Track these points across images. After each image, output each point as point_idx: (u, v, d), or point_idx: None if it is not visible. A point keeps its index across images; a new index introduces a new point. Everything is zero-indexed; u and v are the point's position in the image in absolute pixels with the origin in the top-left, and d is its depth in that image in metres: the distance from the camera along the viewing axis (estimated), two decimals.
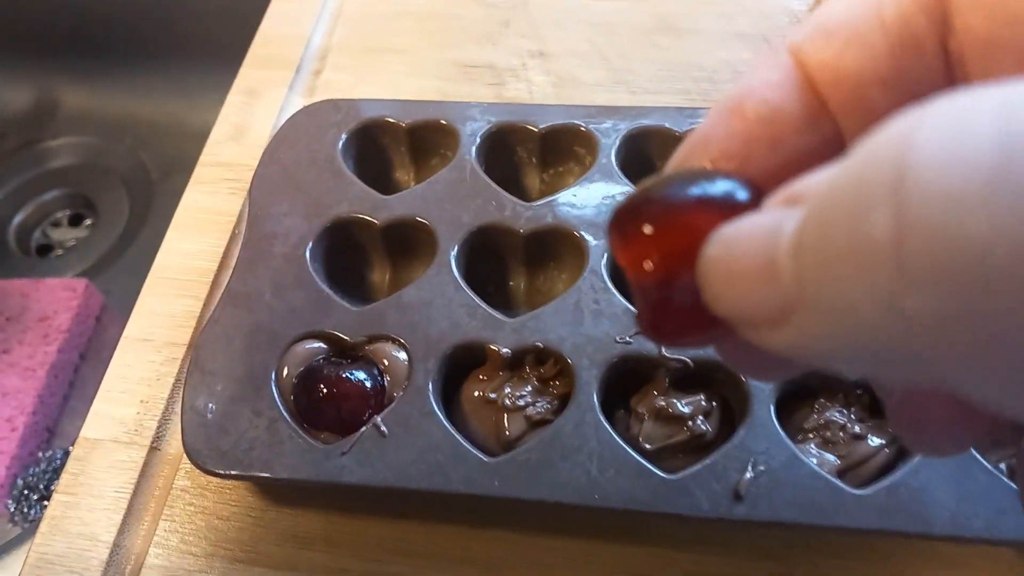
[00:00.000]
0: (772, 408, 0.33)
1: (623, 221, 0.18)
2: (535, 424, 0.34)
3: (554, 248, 0.40)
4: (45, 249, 0.89)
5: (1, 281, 0.77)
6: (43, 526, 0.37)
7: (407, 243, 0.41)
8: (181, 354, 0.41)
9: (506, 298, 0.41)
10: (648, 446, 0.34)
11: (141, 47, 0.94)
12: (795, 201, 0.15)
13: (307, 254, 0.39)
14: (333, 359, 0.36)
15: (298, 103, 0.50)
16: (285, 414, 0.35)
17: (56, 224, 0.91)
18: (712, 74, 0.48)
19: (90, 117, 0.96)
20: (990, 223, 0.11)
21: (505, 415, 0.34)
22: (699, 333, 0.18)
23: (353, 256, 0.41)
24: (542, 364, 0.36)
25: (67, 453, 0.70)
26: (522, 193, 0.44)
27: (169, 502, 0.38)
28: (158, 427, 0.39)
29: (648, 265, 0.17)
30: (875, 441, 0.34)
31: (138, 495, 0.38)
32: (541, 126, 0.42)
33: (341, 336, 0.37)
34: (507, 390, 0.35)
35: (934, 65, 0.18)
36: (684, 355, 0.35)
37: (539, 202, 0.40)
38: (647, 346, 0.35)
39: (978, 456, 0.31)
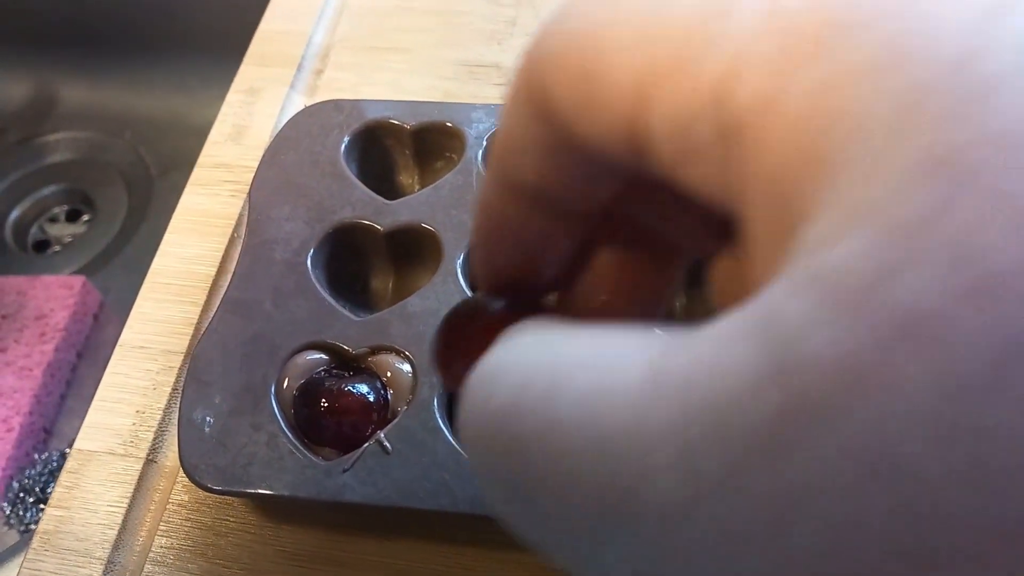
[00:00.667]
0: None
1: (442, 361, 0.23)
2: None
3: None
4: (42, 245, 0.88)
5: None
6: (35, 541, 0.36)
7: (411, 249, 0.39)
8: (178, 363, 0.40)
9: None
10: None
11: (141, 41, 0.93)
12: None
13: (308, 261, 0.38)
14: (335, 371, 0.35)
15: (299, 102, 0.49)
16: (285, 428, 0.34)
17: (53, 220, 0.90)
18: None
19: (89, 112, 0.95)
20: None
21: None
22: None
23: (355, 262, 0.40)
24: None
25: (63, 455, 0.69)
26: None
27: (166, 517, 0.36)
28: (154, 439, 0.38)
29: None
30: None
31: (133, 509, 0.37)
32: None
33: (343, 347, 0.36)
34: None
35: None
36: None
37: None
38: None
39: None
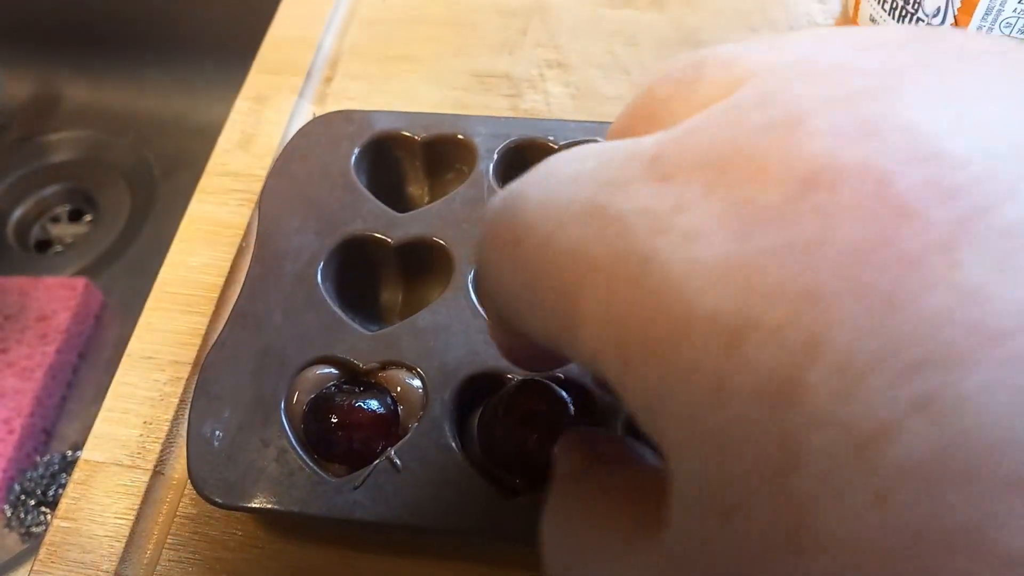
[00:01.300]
0: None
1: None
2: None
3: None
4: (44, 245, 0.87)
5: None
6: (41, 553, 0.36)
7: (422, 263, 0.39)
8: (186, 373, 0.40)
9: None
10: None
11: (145, 41, 0.92)
12: None
13: (318, 274, 0.38)
14: (345, 386, 0.35)
15: (308, 111, 0.49)
16: (295, 444, 0.34)
17: (55, 220, 0.90)
18: None
19: (92, 111, 0.94)
20: None
21: None
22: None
23: (365, 275, 0.40)
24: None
25: (64, 457, 0.69)
26: None
27: (173, 530, 0.36)
28: (162, 450, 0.38)
29: None
30: None
31: (141, 522, 0.36)
32: (561, 142, 0.41)
33: (353, 362, 0.35)
34: None
35: None
36: None
37: None
38: None
39: None
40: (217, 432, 0.34)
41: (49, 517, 0.65)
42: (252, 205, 0.44)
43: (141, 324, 0.41)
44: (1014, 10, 0.38)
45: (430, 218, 0.39)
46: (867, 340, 0.12)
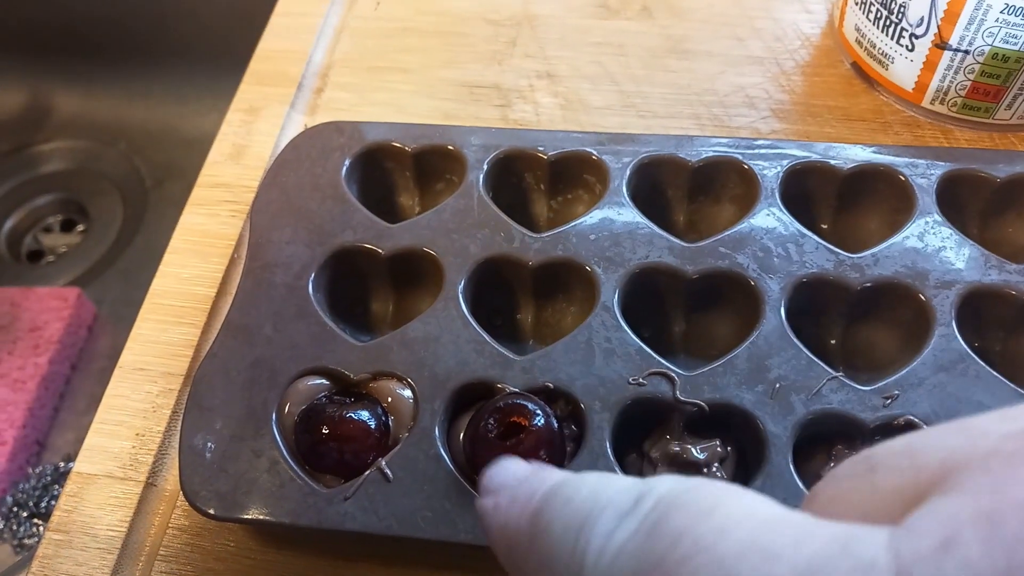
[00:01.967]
0: (790, 457, 0.32)
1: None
2: None
3: (564, 281, 0.39)
4: (36, 255, 0.87)
5: None
6: (34, 565, 0.36)
7: (412, 273, 0.40)
8: (178, 385, 0.40)
9: (514, 331, 0.40)
10: None
11: (136, 51, 0.93)
12: None
13: (309, 285, 0.38)
14: (336, 397, 0.35)
15: (299, 122, 0.49)
16: (286, 455, 0.34)
17: (47, 230, 0.90)
18: (724, 98, 0.47)
19: (83, 121, 0.94)
20: None
21: None
22: None
23: (356, 286, 0.40)
24: (552, 403, 0.35)
25: (57, 468, 0.69)
26: (529, 220, 0.43)
27: (166, 541, 0.36)
28: (154, 462, 0.38)
29: None
30: None
31: (133, 533, 0.37)
32: (551, 153, 0.41)
33: (344, 372, 0.36)
34: None
35: None
36: (699, 399, 0.33)
37: (548, 233, 0.38)
38: (661, 389, 0.34)
39: None
40: (209, 444, 0.34)
41: (41, 529, 0.65)
42: (244, 216, 0.44)
43: (133, 335, 0.42)
44: (996, 20, 0.38)
45: (420, 229, 0.39)
46: None
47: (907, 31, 0.42)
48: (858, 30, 0.45)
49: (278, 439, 0.34)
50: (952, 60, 0.41)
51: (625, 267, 0.37)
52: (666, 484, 0.18)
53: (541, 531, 0.20)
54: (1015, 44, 0.39)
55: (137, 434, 0.39)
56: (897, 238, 0.37)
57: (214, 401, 0.35)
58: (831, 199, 0.40)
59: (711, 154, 0.40)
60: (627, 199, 0.39)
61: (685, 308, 0.38)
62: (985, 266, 0.36)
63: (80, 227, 0.89)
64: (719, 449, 0.33)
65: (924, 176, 0.39)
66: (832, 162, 0.40)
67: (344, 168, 0.41)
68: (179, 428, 0.35)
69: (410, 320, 0.37)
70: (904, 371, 0.34)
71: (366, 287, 0.41)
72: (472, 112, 0.48)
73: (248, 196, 0.45)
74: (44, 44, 0.95)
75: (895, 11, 0.42)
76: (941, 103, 0.44)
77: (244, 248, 0.41)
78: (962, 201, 0.39)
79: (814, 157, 0.40)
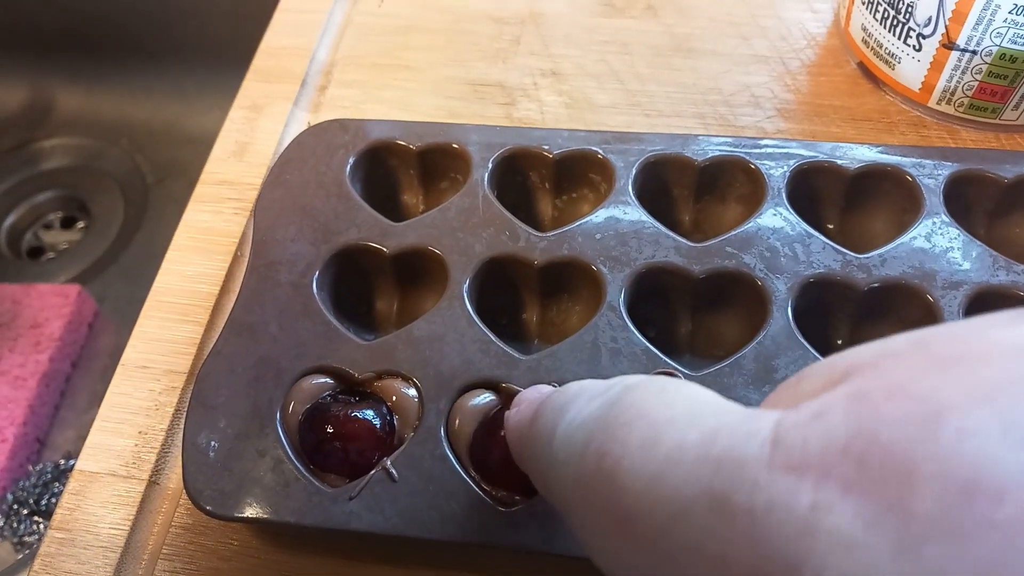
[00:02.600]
0: None
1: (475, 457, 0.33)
2: None
3: (569, 280, 0.38)
4: (36, 252, 0.87)
5: None
6: (36, 564, 0.36)
7: (417, 272, 0.39)
8: (181, 383, 0.40)
9: (519, 330, 0.40)
10: None
11: (138, 48, 0.92)
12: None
13: (314, 283, 0.38)
14: (340, 396, 0.35)
15: (303, 119, 0.49)
16: (291, 454, 0.34)
17: (48, 226, 0.89)
18: (729, 97, 0.47)
19: (85, 118, 0.94)
20: None
21: None
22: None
23: (360, 284, 0.40)
24: None
25: (57, 466, 0.69)
26: (534, 219, 0.43)
27: (169, 540, 0.36)
28: (157, 460, 0.38)
29: None
30: None
31: (136, 532, 0.36)
32: (556, 152, 0.41)
33: (349, 371, 0.35)
34: None
35: None
36: None
37: (554, 232, 0.38)
38: None
39: None
40: (213, 442, 0.34)
41: (42, 527, 0.65)
42: (247, 214, 0.44)
43: (136, 333, 0.41)
44: (1004, 20, 0.38)
45: (425, 227, 0.39)
46: None
47: (914, 31, 0.42)
48: (864, 30, 0.45)
49: (282, 438, 0.34)
50: (959, 60, 0.41)
51: (631, 267, 0.37)
52: (634, 376, 0.21)
53: (534, 422, 0.23)
54: (1023, 45, 0.39)
55: (140, 432, 0.39)
56: (904, 238, 0.37)
57: (218, 399, 0.35)
58: (838, 199, 0.40)
59: (717, 153, 0.40)
60: (633, 198, 0.39)
61: (691, 308, 0.38)
62: (993, 267, 0.36)
63: (81, 224, 0.88)
64: None
65: (931, 176, 0.39)
66: (839, 162, 0.39)
67: (348, 166, 0.41)
68: (182, 426, 0.35)
69: (415, 319, 0.37)
70: None
71: (370, 286, 0.40)
72: (476, 110, 0.48)
73: (252, 193, 0.45)
74: (46, 40, 0.94)
75: (902, 11, 0.41)
76: (948, 103, 0.43)
77: (248, 246, 0.41)
78: (969, 201, 0.39)
79: (821, 157, 0.40)
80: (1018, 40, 0.39)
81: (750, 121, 0.46)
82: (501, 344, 0.35)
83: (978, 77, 0.41)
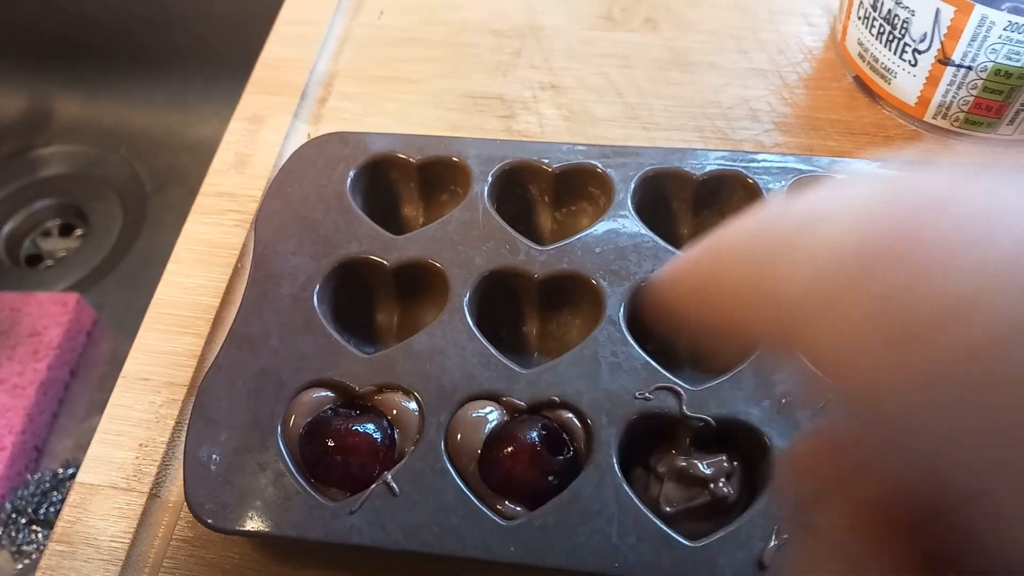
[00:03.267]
0: None
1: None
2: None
3: (569, 294, 0.39)
4: (35, 259, 0.87)
5: None
6: None
7: (417, 285, 0.40)
8: (182, 395, 0.40)
9: (519, 343, 0.40)
10: (668, 509, 0.33)
11: (137, 56, 0.93)
12: None
13: (315, 296, 0.38)
14: (341, 410, 0.35)
15: (303, 131, 0.49)
16: (292, 468, 0.34)
17: (47, 234, 0.89)
18: (727, 111, 0.47)
19: (84, 126, 0.94)
20: None
21: None
22: None
23: (361, 297, 0.40)
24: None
25: (56, 475, 0.69)
26: (534, 232, 0.43)
27: (169, 553, 0.36)
28: (158, 472, 0.38)
29: None
30: None
31: (137, 545, 0.37)
32: (555, 165, 0.41)
33: (350, 385, 0.36)
34: None
35: None
36: (706, 414, 0.33)
37: (553, 246, 0.38)
38: (667, 403, 0.34)
39: None
40: (214, 456, 0.34)
41: (41, 536, 0.65)
42: (247, 226, 0.44)
43: (136, 345, 0.41)
44: (999, 37, 0.38)
45: (425, 240, 0.39)
46: None
47: (910, 46, 0.42)
48: (860, 44, 0.45)
49: (283, 451, 0.34)
50: (955, 76, 0.41)
51: (631, 280, 0.37)
52: None
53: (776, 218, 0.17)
54: (1018, 60, 0.39)
55: (140, 444, 0.39)
56: None
57: (219, 412, 0.35)
58: None
59: (715, 167, 0.40)
60: (632, 212, 0.39)
61: None
62: None
63: (79, 232, 0.88)
64: (725, 464, 0.33)
65: None
66: (837, 176, 0.40)
67: (349, 179, 0.41)
68: (183, 439, 0.35)
69: (415, 332, 0.37)
70: None
71: (371, 298, 0.41)
72: (476, 123, 0.48)
73: (252, 205, 0.45)
74: (46, 48, 0.94)
75: (898, 27, 0.42)
76: (944, 118, 0.44)
77: (248, 258, 0.41)
78: None
79: (818, 171, 0.40)
80: (1013, 56, 0.39)
81: (748, 134, 0.46)
82: (501, 357, 0.36)
83: (973, 92, 0.41)
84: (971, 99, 0.42)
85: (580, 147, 0.42)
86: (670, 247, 0.38)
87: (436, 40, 0.52)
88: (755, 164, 0.40)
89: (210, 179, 0.47)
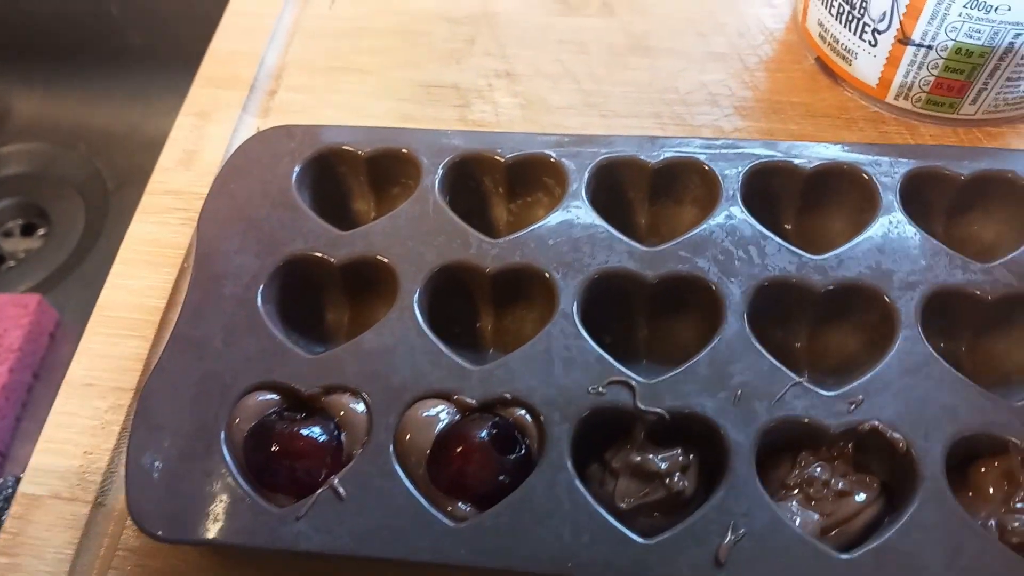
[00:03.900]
0: (753, 465, 0.31)
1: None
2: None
3: (523, 288, 0.38)
4: None
5: None
6: None
7: (367, 282, 0.38)
8: (128, 400, 0.39)
9: (474, 339, 0.39)
10: (623, 505, 0.32)
11: (96, 50, 0.91)
12: None
13: (259, 296, 0.37)
14: (286, 413, 0.34)
15: (252, 125, 0.47)
16: (236, 474, 0.33)
17: (8, 234, 0.88)
18: (685, 96, 0.46)
19: (42, 123, 0.92)
20: None
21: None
22: None
23: (309, 296, 0.39)
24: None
25: (19, 480, 0.67)
26: (489, 225, 0.42)
27: (115, 563, 0.35)
28: (103, 480, 0.37)
29: None
30: (861, 497, 0.32)
31: (82, 555, 0.35)
32: (508, 156, 0.40)
33: (295, 387, 0.34)
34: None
35: None
36: (660, 407, 0.33)
37: (505, 239, 0.37)
38: (621, 397, 0.33)
39: (969, 519, 0.30)
40: (157, 463, 0.33)
41: None
42: (195, 225, 0.43)
43: (81, 349, 0.40)
44: (959, 15, 0.38)
45: (374, 236, 0.38)
46: None
47: (869, 26, 0.41)
48: (821, 25, 0.45)
49: (227, 457, 0.33)
50: (915, 56, 0.40)
51: (584, 273, 0.36)
52: None
53: None
54: (978, 39, 0.38)
55: (85, 452, 0.38)
56: (861, 238, 0.36)
57: (162, 418, 0.34)
58: (794, 199, 0.40)
59: (671, 155, 0.39)
60: (586, 202, 0.38)
61: (647, 313, 0.38)
62: (950, 266, 0.35)
63: (41, 231, 0.87)
64: (680, 458, 0.33)
65: (888, 174, 0.38)
66: (795, 161, 0.39)
67: (294, 174, 0.40)
68: (126, 449, 0.34)
69: (367, 330, 0.36)
70: (869, 375, 0.33)
71: (320, 297, 0.39)
72: (430, 113, 0.47)
73: (199, 203, 0.43)
74: (1, 45, 0.92)
75: (857, 6, 0.41)
76: (905, 99, 0.43)
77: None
78: (927, 199, 0.39)
79: (777, 156, 0.39)
80: (973, 34, 0.38)
81: (707, 120, 0.45)
82: (452, 355, 0.35)
83: (934, 72, 0.41)
84: (932, 79, 0.41)
85: (534, 136, 0.41)
86: (624, 238, 0.37)
87: (388, 29, 0.51)
88: (712, 151, 0.39)
89: (156, 177, 0.45)
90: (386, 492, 0.32)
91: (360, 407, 0.34)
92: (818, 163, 0.39)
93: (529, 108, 0.46)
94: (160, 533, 0.32)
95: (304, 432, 0.33)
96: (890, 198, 0.37)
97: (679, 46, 0.48)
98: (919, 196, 0.38)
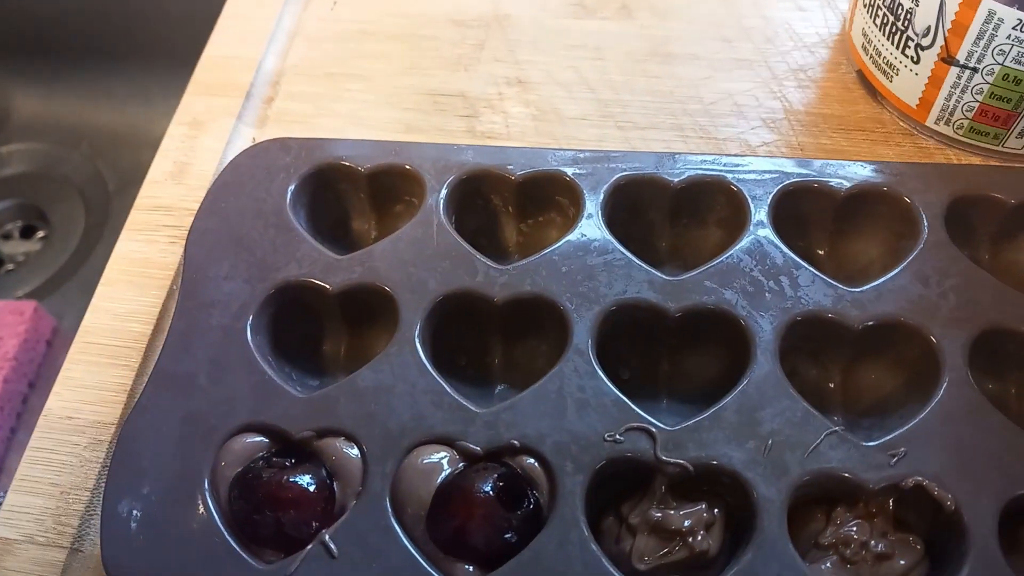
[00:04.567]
0: (784, 523, 0.28)
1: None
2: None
3: (534, 319, 0.35)
4: None
5: None
6: None
7: (366, 311, 0.36)
8: (109, 435, 0.36)
9: (482, 372, 0.36)
10: (641, 566, 0.29)
11: (98, 50, 0.88)
12: None
13: (248, 327, 0.34)
14: (275, 459, 0.31)
15: (248, 135, 0.45)
16: (220, 526, 0.30)
17: (7, 236, 0.86)
18: (709, 107, 0.43)
19: (44, 123, 0.90)
20: None
21: None
22: None
23: (304, 325, 0.36)
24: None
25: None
26: (498, 246, 0.39)
27: None
28: (80, 524, 0.34)
29: None
30: (903, 561, 0.29)
31: None
32: (519, 173, 0.37)
33: (285, 429, 0.32)
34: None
35: None
36: (683, 457, 0.30)
37: (515, 265, 0.35)
38: (640, 446, 0.30)
39: None
40: (135, 511, 0.30)
41: None
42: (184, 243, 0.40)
43: (61, 380, 0.38)
44: (1008, 37, 0.34)
45: (373, 260, 0.35)
46: None
47: (913, 41, 0.38)
48: (865, 35, 0.41)
49: (211, 506, 0.30)
50: (959, 77, 0.37)
51: (600, 304, 0.33)
52: None
53: None
54: None
55: (62, 492, 0.35)
56: (901, 268, 0.33)
57: (141, 462, 0.31)
58: (828, 222, 0.37)
59: (695, 173, 0.37)
60: (603, 225, 0.35)
61: (669, 348, 0.35)
62: (1000, 301, 0.32)
63: (41, 233, 0.85)
64: (705, 515, 0.30)
65: (930, 197, 0.35)
66: (829, 182, 0.36)
67: (289, 192, 0.37)
68: (103, 496, 0.31)
69: (366, 362, 0.33)
70: (912, 423, 0.30)
71: (315, 326, 0.37)
72: (436, 123, 0.44)
73: (190, 220, 0.41)
74: (1, 45, 0.90)
75: (901, 17, 0.38)
76: (946, 124, 0.39)
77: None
78: (972, 225, 0.36)
79: (809, 176, 0.36)
80: (1023, 60, 0.35)
81: (732, 132, 0.42)
82: (455, 395, 0.32)
83: (979, 98, 0.37)
84: (976, 105, 0.38)
85: (547, 151, 0.38)
86: (644, 265, 0.34)
87: (393, 33, 0.48)
88: (740, 168, 0.36)
89: (145, 191, 0.43)
90: (382, 550, 0.29)
91: (354, 452, 0.31)
92: (854, 184, 0.36)
93: (542, 118, 0.43)
94: None
95: (292, 481, 0.30)
96: (933, 223, 0.34)
97: (703, 52, 0.45)
98: (963, 221, 0.35)
